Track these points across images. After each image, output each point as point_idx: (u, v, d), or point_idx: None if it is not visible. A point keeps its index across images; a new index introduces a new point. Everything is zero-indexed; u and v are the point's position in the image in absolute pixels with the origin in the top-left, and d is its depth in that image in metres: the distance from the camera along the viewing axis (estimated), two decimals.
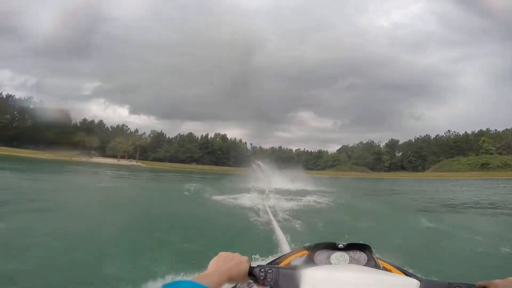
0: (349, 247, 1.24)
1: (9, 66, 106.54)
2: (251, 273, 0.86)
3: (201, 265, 0.98)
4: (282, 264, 1.33)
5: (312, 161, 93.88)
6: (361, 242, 1.28)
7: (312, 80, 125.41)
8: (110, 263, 3.72)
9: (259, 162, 32.19)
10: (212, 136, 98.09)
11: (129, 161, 60.81)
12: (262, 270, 0.87)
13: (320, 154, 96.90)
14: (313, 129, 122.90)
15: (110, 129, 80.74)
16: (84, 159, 51.36)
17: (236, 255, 0.88)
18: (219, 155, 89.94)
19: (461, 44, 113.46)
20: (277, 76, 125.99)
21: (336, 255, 1.20)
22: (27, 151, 54.92)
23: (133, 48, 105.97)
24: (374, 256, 1.21)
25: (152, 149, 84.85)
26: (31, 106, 67.24)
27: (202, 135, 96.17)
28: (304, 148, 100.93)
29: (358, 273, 0.90)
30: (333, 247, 1.25)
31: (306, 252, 1.37)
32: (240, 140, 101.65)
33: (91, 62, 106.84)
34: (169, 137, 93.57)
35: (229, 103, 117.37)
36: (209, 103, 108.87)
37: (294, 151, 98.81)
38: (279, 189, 16.42)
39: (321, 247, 1.26)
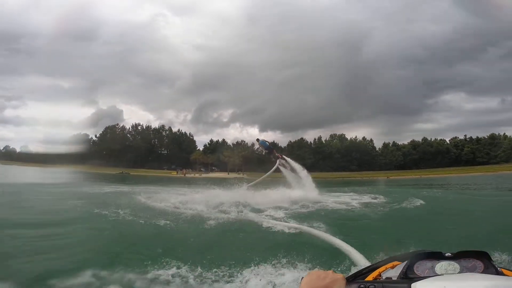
0: (460, 256, 1.04)
1: (172, 107, 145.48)
2: None
3: None
4: (370, 277, 1.17)
5: (484, 152, 63.21)
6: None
7: (448, 57, 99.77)
8: None
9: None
10: (327, 138, 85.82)
11: (238, 173, 59.64)
12: (362, 286, 0.79)
13: (494, 141, 64.37)
14: (469, 113, 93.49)
15: (232, 146, 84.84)
16: (197, 175, 53.05)
17: (330, 272, 0.81)
18: (338, 159, 75.94)
19: None
20: (399, 62, 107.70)
21: (443, 265, 1.02)
22: (163, 171, 64.20)
23: (253, 74, 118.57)
24: (494, 264, 0.99)
25: (268, 160, 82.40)
26: (164, 134, 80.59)
27: (314, 139, 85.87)
28: (465, 136, 70.46)
29: (490, 281, 0.77)
30: (437, 256, 1.07)
31: (398, 263, 1.21)
32: (364, 138, 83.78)
33: (225, 93, 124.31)
34: (280, 146, 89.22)
35: (350, 104, 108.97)
36: (329, 108, 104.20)
37: (447, 142, 70.60)
38: None
39: (422, 257, 1.07)
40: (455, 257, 1.05)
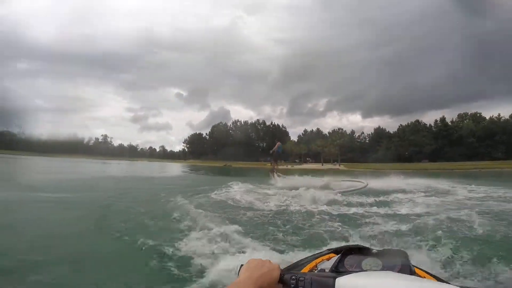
0: (384, 253, 1.16)
1: (268, 102, 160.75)
2: (281, 281, 0.84)
3: None
4: (307, 268, 1.27)
5: None
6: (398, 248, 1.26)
7: None
8: None
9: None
10: (455, 119, 66.81)
11: (333, 164, 54.25)
12: (294, 277, 0.84)
13: None
14: None
15: (327, 135, 80.00)
16: (289, 166, 51.87)
17: (267, 261, 0.85)
18: (472, 144, 57.62)
19: None
20: None
21: (369, 261, 1.12)
22: (259, 163, 67.25)
23: (341, 58, 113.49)
24: (410, 263, 1.09)
25: (373, 148, 72.85)
26: (259, 127, 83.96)
27: (435, 120, 68.58)
28: None
29: (402, 281, 0.84)
30: (366, 252, 1.18)
31: (333, 255, 1.32)
32: None
33: (316, 82, 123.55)
34: (389, 131, 76.30)
35: (484, 77, 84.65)
36: (453, 84, 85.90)
37: None
38: None
39: (353, 251, 1.19)
40: (379, 254, 1.12)
